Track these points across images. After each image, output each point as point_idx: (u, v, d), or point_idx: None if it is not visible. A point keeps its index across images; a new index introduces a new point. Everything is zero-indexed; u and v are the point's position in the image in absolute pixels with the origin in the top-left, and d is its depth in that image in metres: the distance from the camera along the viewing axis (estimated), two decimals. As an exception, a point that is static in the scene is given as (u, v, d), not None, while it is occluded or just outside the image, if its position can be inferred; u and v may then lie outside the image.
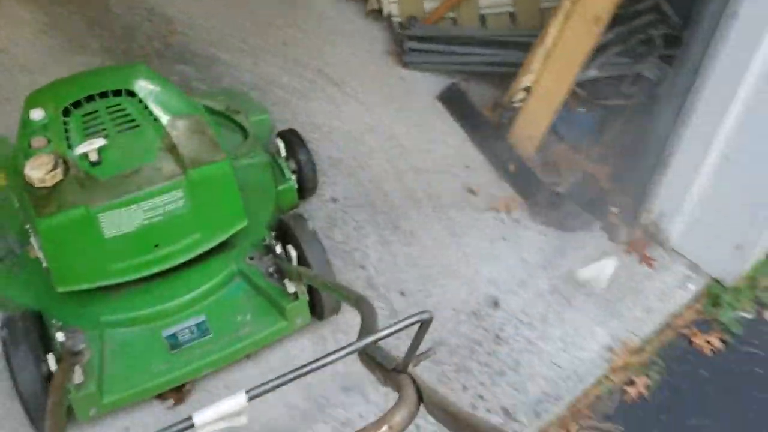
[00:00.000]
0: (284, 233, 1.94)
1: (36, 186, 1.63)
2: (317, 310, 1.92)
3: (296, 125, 2.53)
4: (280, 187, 2.16)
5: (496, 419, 1.90)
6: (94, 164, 1.69)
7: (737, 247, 2.18)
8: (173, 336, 1.78)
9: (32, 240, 1.77)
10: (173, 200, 1.70)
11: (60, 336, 1.65)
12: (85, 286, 1.70)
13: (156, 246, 1.72)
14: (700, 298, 2.29)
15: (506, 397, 1.95)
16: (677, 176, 2.22)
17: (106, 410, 1.71)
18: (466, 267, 2.27)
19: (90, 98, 1.75)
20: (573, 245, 2.37)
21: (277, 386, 0.91)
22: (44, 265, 1.70)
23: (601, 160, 2.59)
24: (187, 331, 1.78)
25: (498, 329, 2.11)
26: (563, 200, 2.46)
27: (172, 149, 1.74)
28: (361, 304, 1.24)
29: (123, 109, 1.77)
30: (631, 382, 2.05)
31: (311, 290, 1.87)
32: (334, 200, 2.43)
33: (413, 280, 2.21)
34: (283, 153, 2.25)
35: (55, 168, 1.64)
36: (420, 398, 1.00)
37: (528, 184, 2.52)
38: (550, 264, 2.31)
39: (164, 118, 1.78)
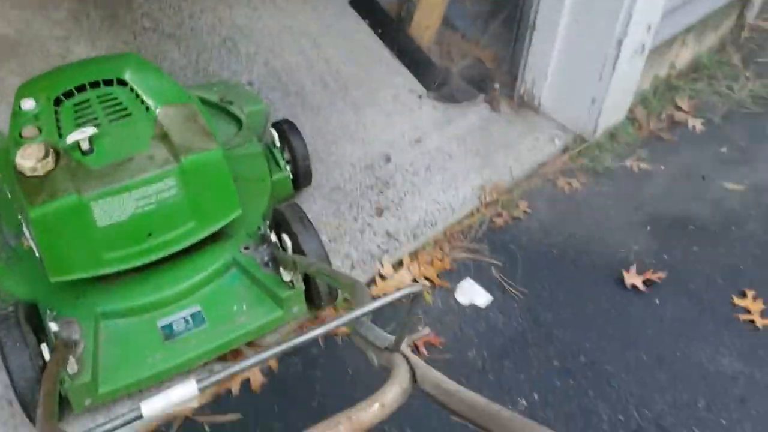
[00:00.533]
0: (279, 222, 1.94)
1: (27, 175, 1.62)
2: (314, 299, 1.92)
3: (222, 30, 2.83)
4: (275, 177, 2.15)
5: (380, 240, 2.27)
6: (85, 153, 1.68)
7: (592, 102, 2.56)
8: (168, 326, 1.77)
9: (25, 230, 1.77)
10: (166, 189, 1.69)
11: (54, 326, 1.63)
12: (78, 276, 1.68)
13: (149, 235, 1.71)
14: (566, 151, 2.67)
15: (390, 225, 2.32)
16: (540, 45, 2.60)
17: (102, 401, 1.70)
18: (364, 133, 2.63)
19: (81, 88, 1.76)
20: (459, 114, 2.74)
21: (235, 372, 0.88)
22: (37, 254, 1.69)
23: (488, 45, 2.94)
24: (182, 321, 1.77)
25: (388, 177, 2.49)
26: (454, 79, 2.81)
27: (164, 138, 1.73)
28: (355, 288, 1.23)
29: (114, 98, 1.78)
30: (499, 215, 2.42)
31: (307, 280, 1.87)
32: (250, 84, 2.76)
33: (318, 145, 2.56)
34: (278, 143, 2.26)
35: (46, 157, 1.63)
36: (413, 377, 0.98)
37: (425, 69, 2.87)
38: (438, 129, 2.68)
39: (156, 107, 1.77)
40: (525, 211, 2.45)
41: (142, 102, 1.77)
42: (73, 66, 1.95)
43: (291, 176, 2.24)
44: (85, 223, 1.62)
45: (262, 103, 2.37)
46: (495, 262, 2.26)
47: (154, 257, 1.73)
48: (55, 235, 1.62)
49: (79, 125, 1.71)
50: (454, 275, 2.22)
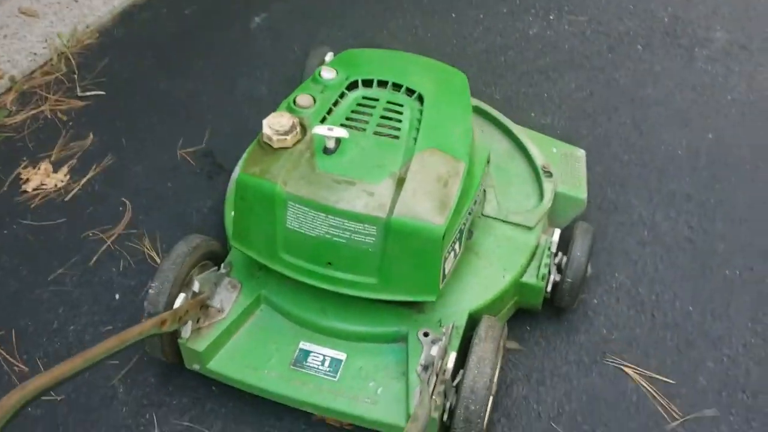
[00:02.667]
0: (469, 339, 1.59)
1: (262, 140, 1.58)
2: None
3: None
4: (525, 279, 1.76)
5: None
6: (325, 151, 1.56)
7: None
8: (305, 353, 1.62)
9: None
10: (363, 233, 1.50)
11: (197, 283, 1.59)
12: (254, 257, 1.62)
13: (329, 264, 1.56)
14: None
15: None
16: None
17: (210, 375, 1.65)
18: None
19: (383, 83, 1.68)
20: None
21: None
22: (231, 213, 1.67)
23: None
24: (320, 357, 1.62)
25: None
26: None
27: (400, 183, 1.52)
28: None
29: (399, 113, 1.64)
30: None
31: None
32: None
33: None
34: (554, 246, 1.79)
35: (288, 133, 1.56)
36: None
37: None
38: None
39: (422, 146, 1.58)
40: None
41: (417, 131, 1.60)
42: (401, 58, 1.86)
43: (548, 290, 1.79)
44: (277, 216, 1.54)
45: (583, 195, 1.94)
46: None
47: (325, 287, 1.58)
48: (248, 207, 1.58)
49: (348, 119, 1.63)
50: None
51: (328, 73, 1.70)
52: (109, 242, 2.10)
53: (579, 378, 1.80)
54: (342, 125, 1.61)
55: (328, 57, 2.18)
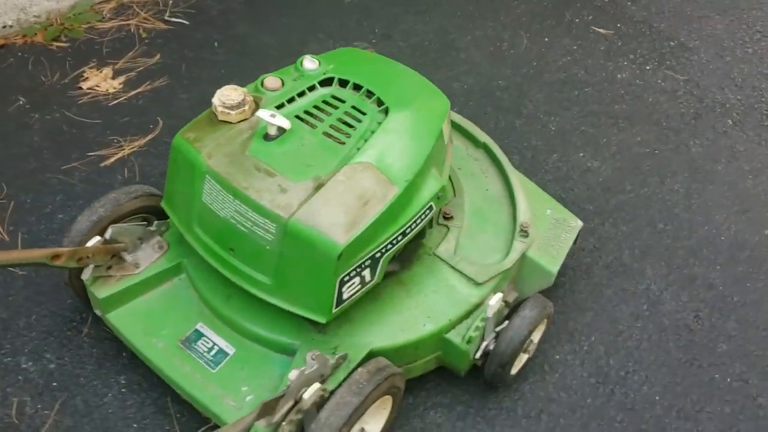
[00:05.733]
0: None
1: (211, 110, 1.53)
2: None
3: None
4: (449, 336, 1.58)
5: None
6: (266, 137, 1.49)
7: None
8: (199, 335, 1.58)
9: None
10: (264, 228, 1.41)
11: (141, 233, 1.62)
12: (175, 222, 1.58)
13: (231, 250, 1.49)
14: None
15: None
16: None
17: (109, 326, 1.64)
18: None
19: (358, 87, 1.60)
20: None
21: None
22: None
23: None
24: (210, 344, 1.57)
25: None
26: None
27: (317, 188, 1.42)
28: None
29: (358, 120, 1.54)
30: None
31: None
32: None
33: None
34: (491, 311, 1.56)
35: (234, 108, 1.50)
36: None
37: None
38: None
39: (360, 158, 1.46)
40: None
41: (365, 142, 1.49)
42: (391, 68, 1.74)
43: (476, 356, 1.61)
44: (195, 187, 1.48)
45: (553, 269, 1.72)
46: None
47: (224, 272, 1.50)
48: (176, 171, 1.54)
49: (306, 113, 1.54)
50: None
51: (310, 63, 1.62)
52: (127, 150, 2.19)
53: (503, 427, 1.67)
54: (297, 117, 1.53)
55: None
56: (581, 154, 2.33)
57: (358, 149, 1.49)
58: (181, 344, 1.58)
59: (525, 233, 1.74)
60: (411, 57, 2.63)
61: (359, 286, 1.48)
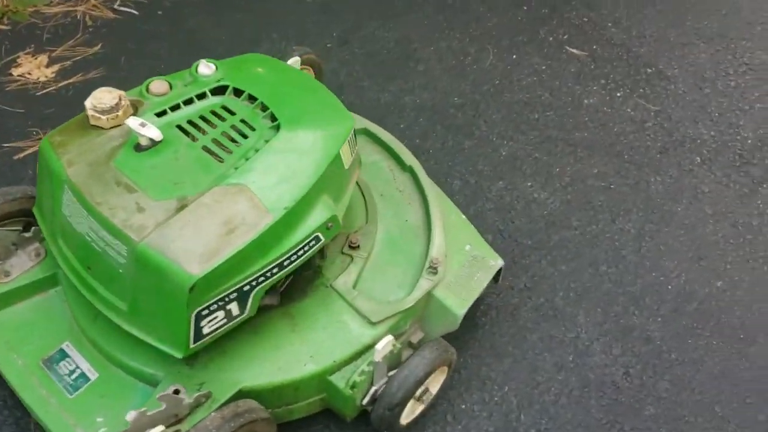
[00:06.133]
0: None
1: (84, 112, 1.40)
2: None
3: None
4: (332, 379, 1.44)
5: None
6: (137, 147, 1.35)
7: None
8: (63, 355, 1.46)
9: None
10: (115, 249, 1.27)
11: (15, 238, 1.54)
12: (43, 231, 1.46)
13: (88, 268, 1.35)
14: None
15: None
16: None
17: None
18: None
19: (253, 98, 1.44)
20: None
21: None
22: None
23: None
24: (73, 366, 1.44)
25: None
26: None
27: (179, 210, 1.27)
28: None
29: (245, 136, 1.38)
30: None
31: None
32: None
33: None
34: (378, 356, 1.40)
35: (106, 113, 1.37)
36: None
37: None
38: None
39: (235, 179, 1.32)
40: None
41: (247, 161, 1.34)
42: (296, 80, 1.59)
43: (364, 402, 1.47)
44: (56, 198, 1.35)
45: (458, 311, 1.55)
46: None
47: (83, 291, 1.37)
48: (41, 177, 1.43)
49: (189, 123, 1.39)
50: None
51: (205, 69, 1.47)
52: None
53: (391, 479, 1.52)
54: (179, 127, 1.38)
55: (291, 61, 1.81)
56: (529, 184, 2.17)
57: (236, 169, 1.34)
58: (42, 364, 1.45)
59: (434, 270, 1.58)
60: (364, 66, 2.48)
61: (224, 320, 1.33)
